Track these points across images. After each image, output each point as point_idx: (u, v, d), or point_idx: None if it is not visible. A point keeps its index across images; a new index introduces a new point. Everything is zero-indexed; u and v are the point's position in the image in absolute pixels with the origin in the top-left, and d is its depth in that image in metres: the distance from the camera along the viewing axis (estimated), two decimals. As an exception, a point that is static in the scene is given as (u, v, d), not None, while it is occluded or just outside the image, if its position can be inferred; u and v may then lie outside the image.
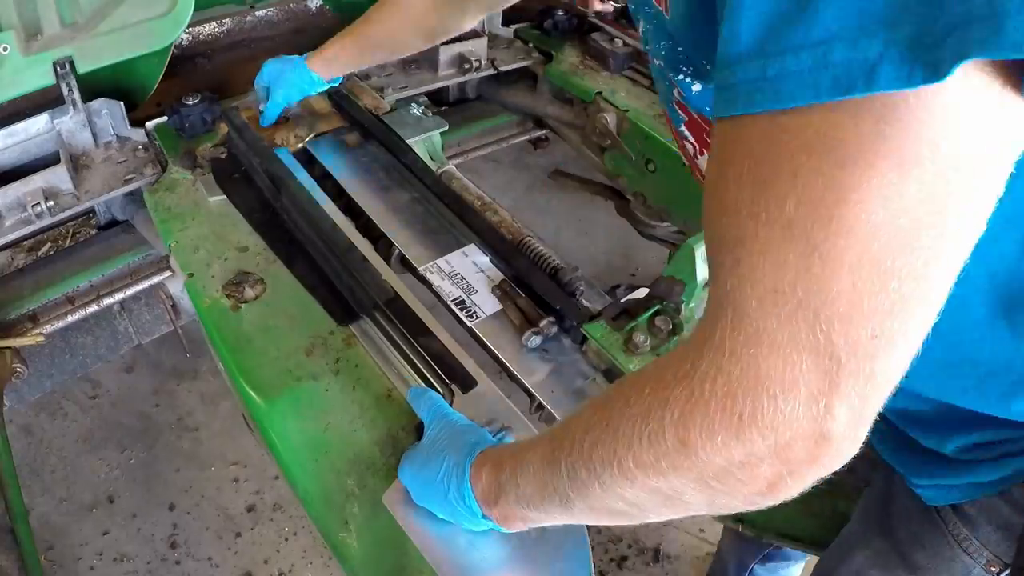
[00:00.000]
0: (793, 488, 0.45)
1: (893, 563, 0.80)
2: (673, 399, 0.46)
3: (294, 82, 1.28)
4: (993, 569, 0.71)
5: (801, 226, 0.39)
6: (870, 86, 0.36)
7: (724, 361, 0.43)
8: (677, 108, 0.72)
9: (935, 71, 0.35)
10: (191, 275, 1.07)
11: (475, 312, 1.04)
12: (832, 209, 0.38)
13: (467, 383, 0.91)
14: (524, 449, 0.63)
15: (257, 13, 1.67)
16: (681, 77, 0.65)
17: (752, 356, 0.42)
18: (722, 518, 1.27)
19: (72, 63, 1.17)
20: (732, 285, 0.43)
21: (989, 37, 0.33)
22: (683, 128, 0.74)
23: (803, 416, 0.41)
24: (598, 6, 1.83)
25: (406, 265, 1.16)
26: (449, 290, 1.07)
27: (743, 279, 0.42)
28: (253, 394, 0.90)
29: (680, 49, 0.63)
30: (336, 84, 1.35)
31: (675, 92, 0.69)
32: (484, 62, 1.67)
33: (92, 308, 1.21)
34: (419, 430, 0.81)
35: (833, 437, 0.42)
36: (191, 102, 1.31)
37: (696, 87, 0.65)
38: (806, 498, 0.46)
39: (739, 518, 1.17)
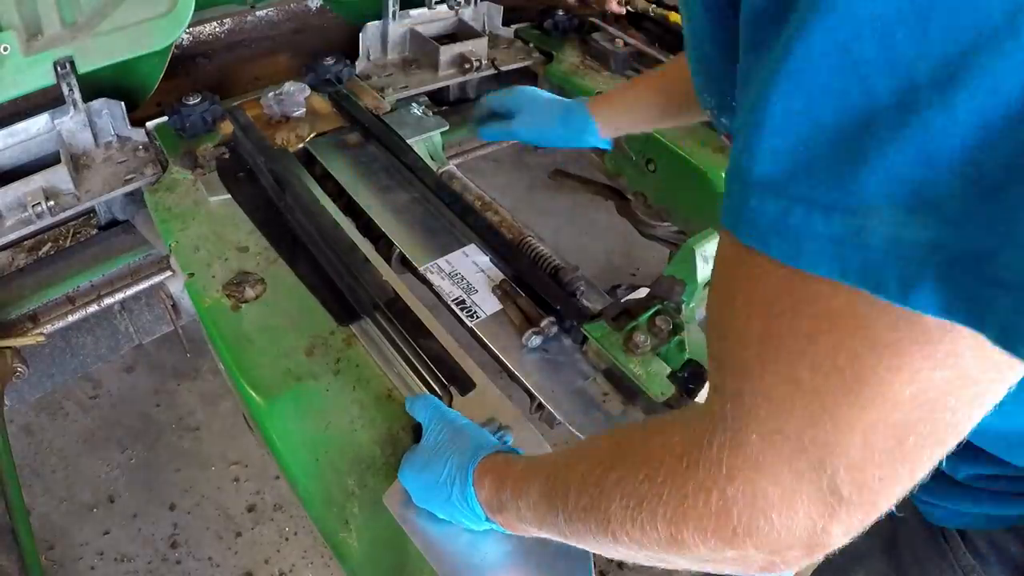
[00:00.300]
0: (786, 572, 0.45)
1: None
2: (667, 497, 0.44)
3: (572, 129, 1.16)
4: None
5: (813, 389, 0.36)
6: (904, 301, 0.31)
7: (720, 478, 0.41)
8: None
9: (980, 319, 0.30)
10: (191, 275, 1.07)
11: (475, 312, 1.04)
12: (851, 384, 0.35)
13: (466, 385, 0.91)
14: (525, 476, 0.62)
15: (257, 13, 1.67)
16: (710, 111, 0.60)
17: (750, 480, 0.40)
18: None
19: (72, 63, 1.17)
20: (732, 412, 0.40)
21: None
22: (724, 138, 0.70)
23: (799, 532, 0.40)
24: (614, 7, 1.82)
25: (406, 265, 1.16)
26: (449, 290, 1.07)
27: (745, 412, 0.39)
28: (253, 394, 0.90)
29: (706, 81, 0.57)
30: (607, 146, 1.19)
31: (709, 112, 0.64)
32: (484, 62, 1.66)
33: (92, 308, 1.21)
34: (416, 431, 0.81)
35: (828, 546, 0.41)
36: (192, 102, 1.32)
37: (724, 120, 0.59)
38: None
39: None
